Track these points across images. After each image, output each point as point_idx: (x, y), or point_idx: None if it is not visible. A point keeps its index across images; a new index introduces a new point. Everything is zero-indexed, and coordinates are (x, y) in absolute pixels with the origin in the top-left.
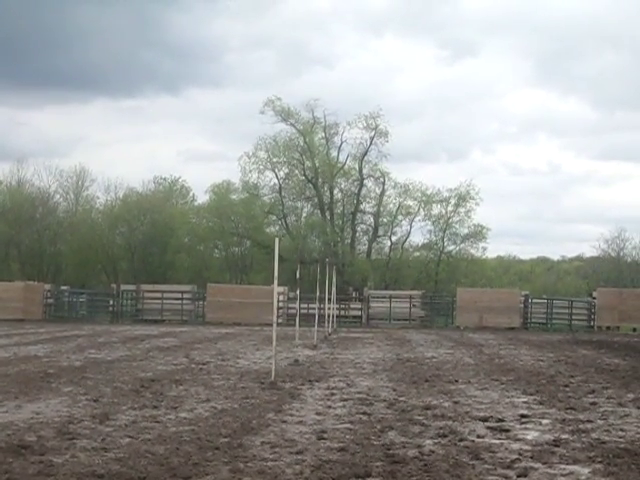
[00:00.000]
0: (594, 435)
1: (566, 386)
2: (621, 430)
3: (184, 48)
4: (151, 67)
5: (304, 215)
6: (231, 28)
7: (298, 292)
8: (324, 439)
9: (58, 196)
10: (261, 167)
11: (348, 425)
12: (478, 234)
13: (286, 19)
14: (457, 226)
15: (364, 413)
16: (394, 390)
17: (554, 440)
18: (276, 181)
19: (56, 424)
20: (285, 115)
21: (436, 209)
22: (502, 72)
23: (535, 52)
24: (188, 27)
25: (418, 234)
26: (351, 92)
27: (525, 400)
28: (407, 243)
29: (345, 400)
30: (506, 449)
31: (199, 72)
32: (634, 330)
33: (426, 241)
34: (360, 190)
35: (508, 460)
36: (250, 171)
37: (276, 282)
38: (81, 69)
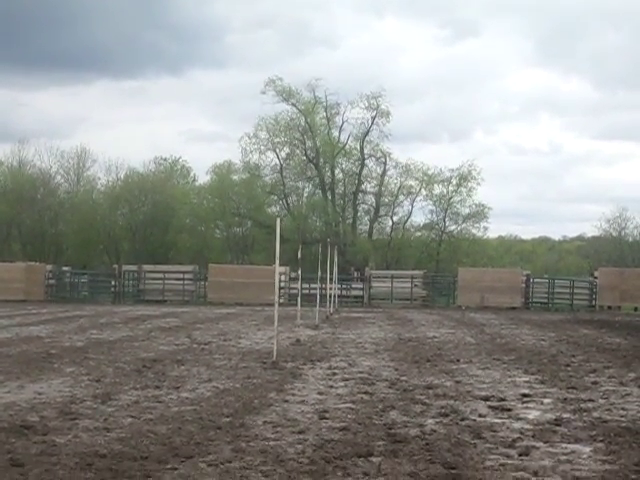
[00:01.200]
0: (595, 414)
1: (567, 365)
2: (622, 409)
3: (186, 29)
4: (153, 48)
5: (305, 195)
6: (233, 8)
7: (299, 272)
8: (326, 419)
9: (59, 177)
10: (262, 147)
11: (350, 405)
12: (479, 214)
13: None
14: (458, 206)
15: (366, 393)
16: (396, 370)
17: (555, 419)
18: (277, 161)
19: (58, 404)
20: (286, 95)
21: (437, 189)
22: (504, 52)
23: (536, 32)
24: (191, 8)
25: (419, 214)
26: (353, 72)
27: (527, 379)
28: (408, 223)
29: (347, 380)
30: (508, 428)
31: (201, 53)
32: (635, 309)
33: (427, 221)
34: (361, 170)
35: (510, 439)
36: (251, 151)
37: (278, 262)
38: (84, 50)
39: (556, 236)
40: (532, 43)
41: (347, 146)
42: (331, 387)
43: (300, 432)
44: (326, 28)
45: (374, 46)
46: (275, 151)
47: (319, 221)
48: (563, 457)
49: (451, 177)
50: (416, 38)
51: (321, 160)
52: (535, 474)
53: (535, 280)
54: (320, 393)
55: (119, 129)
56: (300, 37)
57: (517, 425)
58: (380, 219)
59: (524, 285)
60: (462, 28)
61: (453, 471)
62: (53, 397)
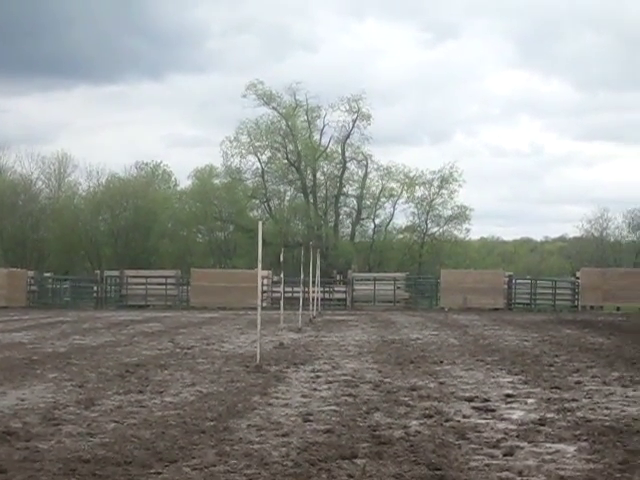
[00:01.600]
0: (579, 414)
1: (551, 365)
2: (606, 408)
3: (167, 34)
4: (134, 53)
5: (287, 199)
6: (213, 13)
7: (282, 276)
8: (310, 421)
9: (40, 183)
10: (243, 151)
11: (334, 407)
12: (461, 216)
13: (268, 3)
14: (440, 208)
15: (350, 395)
16: (379, 372)
17: (539, 419)
18: (259, 165)
19: (41, 410)
20: (267, 99)
21: (419, 191)
22: (484, 54)
23: (517, 33)
24: (171, 13)
25: (401, 216)
26: (333, 75)
27: (510, 380)
28: (390, 225)
29: (330, 382)
30: (492, 429)
31: (182, 58)
32: (618, 309)
33: (409, 223)
34: (343, 173)
35: (494, 440)
36: (232, 155)
37: (260, 266)
38: (65, 56)
39: (538, 237)
40: (512, 45)
41: (328, 149)
42: (315, 390)
43: (284, 435)
44: (306, 31)
45: (355, 49)
46: (256, 155)
47: (301, 224)
48: (547, 457)
49: (432, 179)
50: (396, 41)
51: (302, 163)
52: (520, 474)
53: (517, 281)
54: (304, 396)
55: (100, 134)
56: (280, 41)
57: (501, 425)
58: (362, 222)
59: (506, 286)
60: (442, 30)
61: (438, 472)
62: (36, 403)
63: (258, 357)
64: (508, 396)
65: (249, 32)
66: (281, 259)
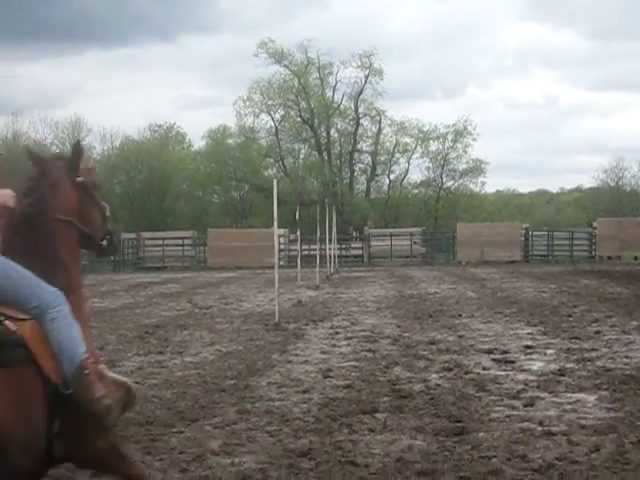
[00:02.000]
0: (599, 363)
1: (569, 316)
2: (626, 357)
3: None
4: (143, 15)
5: (301, 157)
6: None
7: (299, 234)
8: (330, 377)
9: (54, 147)
10: (256, 110)
11: (353, 363)
12: (476, 169)
13: None
14: (455, 162)
15: (369, 350)
16: (398, 326)
17: (559, 369)
18: (272, 124)
19: None
20: (279, 57)
21: (433, 146)
22: (495, 6)
23: None
24: None
25: (416, 171)
26: (345, 32)
27: (529, 331)
28: (405, 181)
29: (349, 338)
30: (512, 380)
31: (192, 18)
32: (635, 259)
33: (424, 178)
34: (357, 129)
35: (514, 391)
36: (246, 115)
37: (276, 224)
38: (74, 19)
39: (554, 188)
40: None
41: (341, 106)
42: (334, 346)
43: (305, 392)
44: None
45: (366, 4)
46: (270, 114)
47: (316, 182)
48: (568, 406)
49: (447, 133)
50: None
51: (316, 121)
52: (541, 424)
53: (534, 233)
54: (323, 352)
55: (113, 98)
56: None
57: (521, 377)
58: (377, 178)
59: (523, 238)
60: None
61: (459, 424)
62: None
63: (277, 315)
64: (527, 347)
65: None
66: (297, 217)
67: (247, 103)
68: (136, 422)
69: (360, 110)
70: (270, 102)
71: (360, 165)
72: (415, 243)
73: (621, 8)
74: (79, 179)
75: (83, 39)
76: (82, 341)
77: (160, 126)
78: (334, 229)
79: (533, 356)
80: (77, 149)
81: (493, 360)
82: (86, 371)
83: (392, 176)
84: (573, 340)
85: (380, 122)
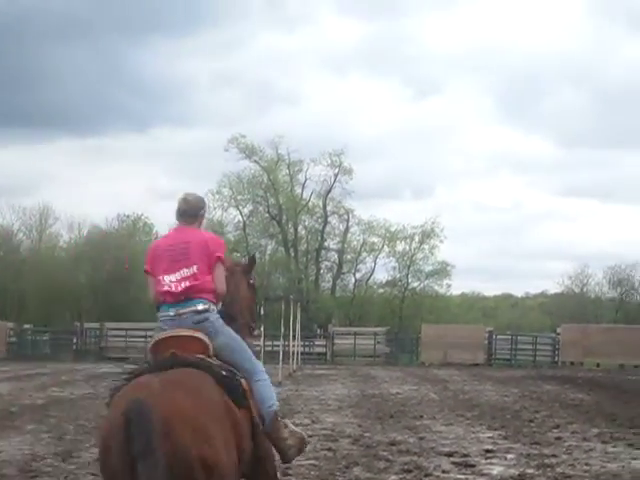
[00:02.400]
0: (559, 469)
1: (531, 421)
2: (586, 464)
3: (151, 87)
4: (117, 106)
5: (268, 252)
6: (198, 67)
7: (262, 329)
8: (289, 475)
9: (21, 234)
10: (225, 204)
11: (313, 461)
12: (442, 271)
13: (253, 58)
14: (421, 263)
15: (329, 449)
16: (359, 426)
17: (519, 475)
18: (240, 218)
19: (18, 462)
20: (249, 152)
21: (400, 246)
22: (466, 110)
23: (498, 90)
24: (155, 66)
25: (382, 271)
26: (316, 130)
27: (490, 435)
28: (371, 280)
29: (310, 436)
30: None
31: (166, 111)
32: (598, 365)
33: (390, 278)
34: (324, 227)
35: None
36: (214, 208)
37: None
38: (47, 108)
39: (519, 293)
40: (494, 101)
41: (310, 203)
42: None
43: None
44: (290, 86)
45: (337, 104)
46: (238, 208)
47: (282, 278)
48: None
49: (414, 234)
50: (379, 96)
51: (284, 217)
52: None
53: (498, 336)
54: None
55: (82, 187)
56: (264, 95)
57: None
58: (343, 276)
59: (487, 341)
60: (424, 86)
61: None
62: (13, 455)
63: None
64: (488, 451)
65: (234, 86)
66: (261, 312)
67: (216, 197)
68: None
69: (328, 208)
70: (239, 197)
71: (326, 262)
72: (379, 343)
73: (588, 116)
74: (251, 281)
75: (56, 127)
76: (274, 397)
77: (128, 216)
78: (298, 326)
79: (493, 460)
80: (253, 259)
81: (453, 463)
82: (279, 417)
83: (358, 275)
84: (534, 445)
85: (348, 221)
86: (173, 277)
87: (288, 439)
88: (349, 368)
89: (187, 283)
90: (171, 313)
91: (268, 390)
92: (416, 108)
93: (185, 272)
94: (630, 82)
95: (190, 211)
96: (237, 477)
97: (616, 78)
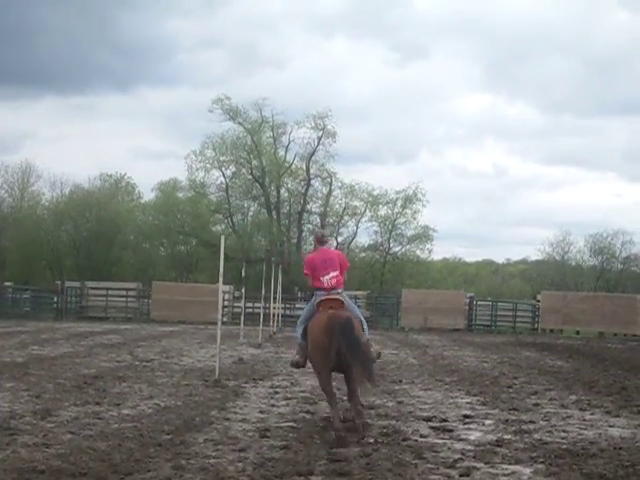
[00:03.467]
0: (536, 436)
1: (509, 387)
2: (563, 431)
3: (135, 47)
4: (102, 65)
5: (250, 214)
6: (182, 28)
7: (243, 291)
8: (267, 437)
9: (3, 192)
10: (208, 165)
11: (291, 423)
12: (424, 236)
13: (237, 20)
14: (403, 227)
15: (307, 412)
16: (338, 389)
17: (497, 440)
18: (223, 180)
19: None
20: (233, 114)
21: (382, 210)
22: (452, 75)
23: (484, 56)
24: (139, 26)
25: (364, 235)
26: (300, 93)
27: (468, 401)
28: (353, 244)
29: (289, 399)
30: (449, 449)
31: (150, 71)
32: (577, 333)
33: (372, 242)
34: (307, 190)
35: (451, 460)
36: (197, 169)
37: (221, 280)
38: (32, 66)
39: (500, 259)
40: (480, 67)
41: (293, 166)
42: (273, 406)
43: (241, 450)
44: (275, 48)
45: (322, 67)
46: (221, 169)
47: (264, 240)
48: (504, 478)
49: (396, 199)
50: (365, 60)
51: (267, 179)
52: None
53: (478, 302)
54: (262, 412)
55: (65, 145)
56: (249, 57)
57: (458, 446)
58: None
59: (467, 307)
60: (411, 51)
61: None
62: None
63: (217, 372)
64: (466, 417)
65: (217, 47)
66: (243, 274)
67: (199, 158)
68: (69, 473)
69: (311, 171)
70: (222, 158)
71: (309, 226)
72: (359, 307)
73: (575, 83)
74: None
75: (39, 85)
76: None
77: (110, 176)
78: (279, 288)
79: (471, 426)
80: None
81: (431, 428)
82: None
83: (340, 238)
84: (512, 411)
85: (331, 184)
86: (329, 279)
87: (373, 352)
88: None
89: (333, 281)
90: (325, 293)
91: (366, 326)
92: (401, 73)
93: (332, 274)
94: (616, 50)
95: (326, 238)
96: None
97: (602, 46)
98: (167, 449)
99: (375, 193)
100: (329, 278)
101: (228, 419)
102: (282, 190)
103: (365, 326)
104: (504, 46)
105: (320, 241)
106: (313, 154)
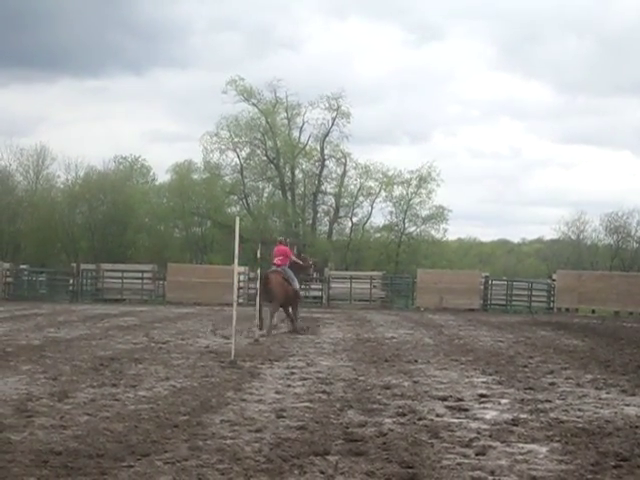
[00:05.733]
0: (552, 415)
1: (525, 366)
2: (579, 410)
3: (150, 29)
4: (116, 48)
5: (265, 195)
6: (197, 10)
7: (259, 272)
8: (283, 417)
9: (18, 175)
10: (223, 147)
11: (307, 404)
12: (439, 216)
13: (251, 1)
14: (418, 207)
15: (323, 392)
16: (354, 370)
17: (512, 419)
18: (238, 161)
19: (14, 402)
20: (247, 95)
21: (397, 190)
22: (466, 56)
23: (499, 36)
24: (154, 9)
25: (379, 215)
26: (314, 74)
27: (484, 380)
28: (368, 224)
29: (305, 379)
30: (465, 428)
31: (164, 53)
32: (593, 312)
33: (387, 222)
34: (321, 171)
35: (467, 439)
36: (212, 151)
37: (237, 261)
38: (46, 49)
39: (515, 239)
40: (495, 47)
41: (307, 147)
42: (289, 386)
43: (257, 431)
44: (289, 30)
45: (337, 48)
46: (236, 151)
47: (279, 221)
48: (520, 457)
49: (411, 179)
50: (379, 40)
51: (281, 160)
52: (492, 473)
53: (494, 282)
54: (278, 392)
55: (80, 128)
56: (263, 39)
57: (474, 425)
58: (340, 220)
59: (482, 287)
60: (426, 32)
61: (410, 470)
62: (9, 394)
63: (233, 353)
64: (482, 396)
65: (232, 29)
66: (258, 256)
67: (214, 139)
68: (86, 454)
69: (326, 152)
70: (237, 139)
71: (323, 207)
72: (375, 287)
73: (590, 63)
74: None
75: (54, 68)
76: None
77: (125, 158)
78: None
79: (487, 405)
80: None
81: (447, 407)
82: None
83: (355, 219)
84: (527, 390)
85: (345, 165)
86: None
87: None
88: (345, 312)
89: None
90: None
91: (295, 284)
92: (416, 53)
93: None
94: (631, 29)
95: (280, 240)
96: (286, 300)
97: (617, 25)
98: (184, 430)
99: (390, 173)
100: (276, 260)
101: (244, 400)
102: (297, 171)
103: (295, 283)
104: (519, 26)
105: (280, 242)
106: (327, 135)
